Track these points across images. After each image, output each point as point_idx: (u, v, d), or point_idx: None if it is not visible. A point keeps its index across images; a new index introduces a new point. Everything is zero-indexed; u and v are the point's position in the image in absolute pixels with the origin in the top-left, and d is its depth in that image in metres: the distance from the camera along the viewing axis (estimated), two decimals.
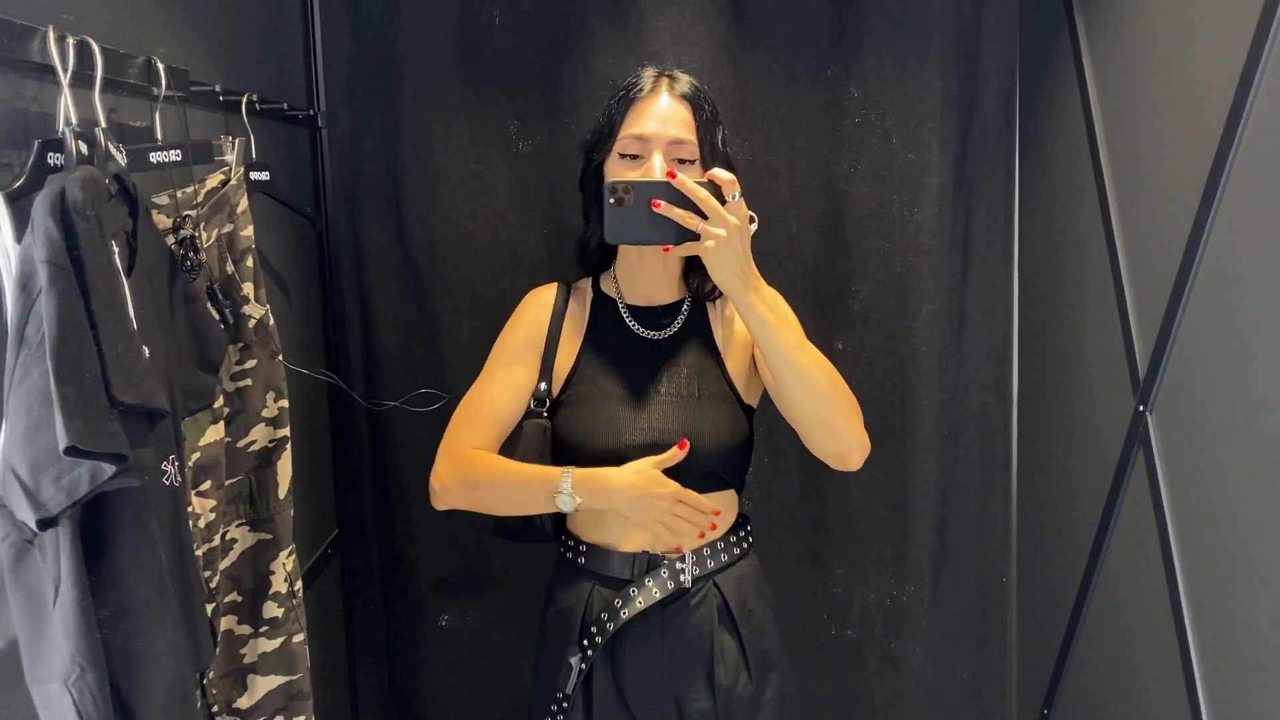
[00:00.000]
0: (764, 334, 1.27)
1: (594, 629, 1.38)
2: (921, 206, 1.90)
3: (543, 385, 1.45)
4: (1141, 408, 1.57)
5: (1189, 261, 1.42)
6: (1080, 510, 1.80)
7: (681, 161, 1.35)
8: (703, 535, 1.38)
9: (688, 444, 1.35)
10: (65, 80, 0.90)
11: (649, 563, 1.39)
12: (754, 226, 1.27)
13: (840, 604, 2.06)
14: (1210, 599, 1.41)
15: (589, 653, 1.38)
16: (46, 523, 0.78)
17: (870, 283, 1.94)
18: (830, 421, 1.32)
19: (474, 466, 1.41)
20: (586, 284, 1.52)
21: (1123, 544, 1.68)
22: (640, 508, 1.33)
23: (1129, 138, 1.63)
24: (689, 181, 1.22)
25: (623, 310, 1.47)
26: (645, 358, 1.44)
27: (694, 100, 1.38)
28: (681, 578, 1.38)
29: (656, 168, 1.33)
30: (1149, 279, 1.56)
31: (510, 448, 1.44)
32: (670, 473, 1.38)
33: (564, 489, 1.34)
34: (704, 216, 1.22)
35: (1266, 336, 1.26)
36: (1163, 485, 1.52)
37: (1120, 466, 1.65)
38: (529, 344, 1.48)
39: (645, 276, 1.47)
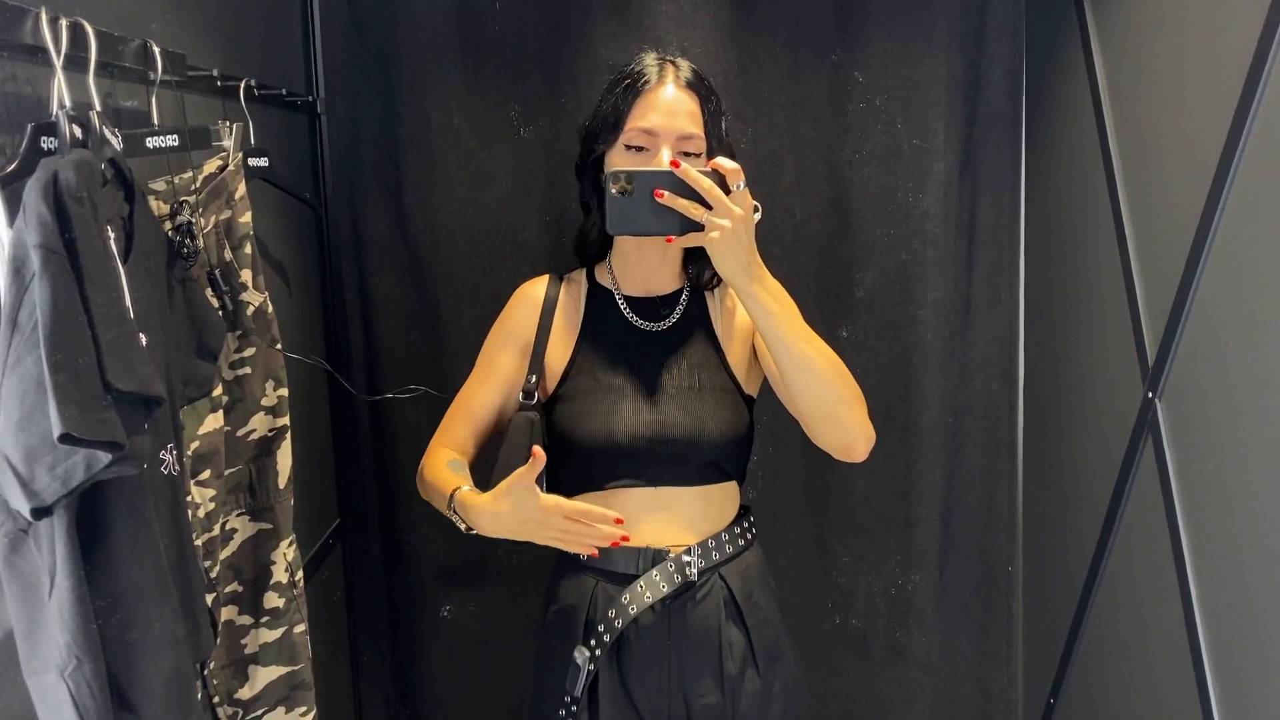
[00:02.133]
0: (769, 325, 1.25)
1: (600, 627, 1.36)
2: (927, 192, 1.89)
3: (532, 378, 1.43)
4: (1151, 395, 1.55)
5: (1199, 246, 1.41)
6: (1087, 498, 1.79)
7: (688, 155, 1.33)
8: (616, 544, 1.26)
9: (541, 453, 1.22)
10: (58, 63, 0.88)
11: (654, 557, 1.37)
12: (758, 216, 1.25)
13: (845, 593, 2.05)
14: (1220, 588, 1.40)
15: (596, 652, 1.36)
16: (41, 512, 0.76)
17: (875, 269, 1.93)
18: (835, 413, 1.30)
19: (428, 464, 1.43)
20: (581, 275, 1.51)
21: (1131, 532, 1.66)
22: (519, 534, 1.26)
23: (1138, 120, 1.61)
24: (693, 171, 1.20)
25: (619, 301, 1.45)
26: (644, 349, 1.42)
27: (699, 90, 1.36)
28: (689, 571, 1.36)
29: (665, 162, 1.30)
30: (1158, 264, 1.54)
31: (499, 442, 1.43)
32: (672, 466, 1.37)
33: (451, 511, 1.32)
34: (708, 206, 1.20)
35: (1278, 323, 1.25)
36: (1172, 473, 1.50)
37: (1129, 454, 1.63)
38: (515, 338, 1.47)
39: (644, 267, 1.45)
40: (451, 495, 1.32)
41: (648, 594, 1.35)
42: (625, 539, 1.26)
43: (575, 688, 1.36)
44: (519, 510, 1.24)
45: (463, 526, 1.32)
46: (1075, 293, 1.84)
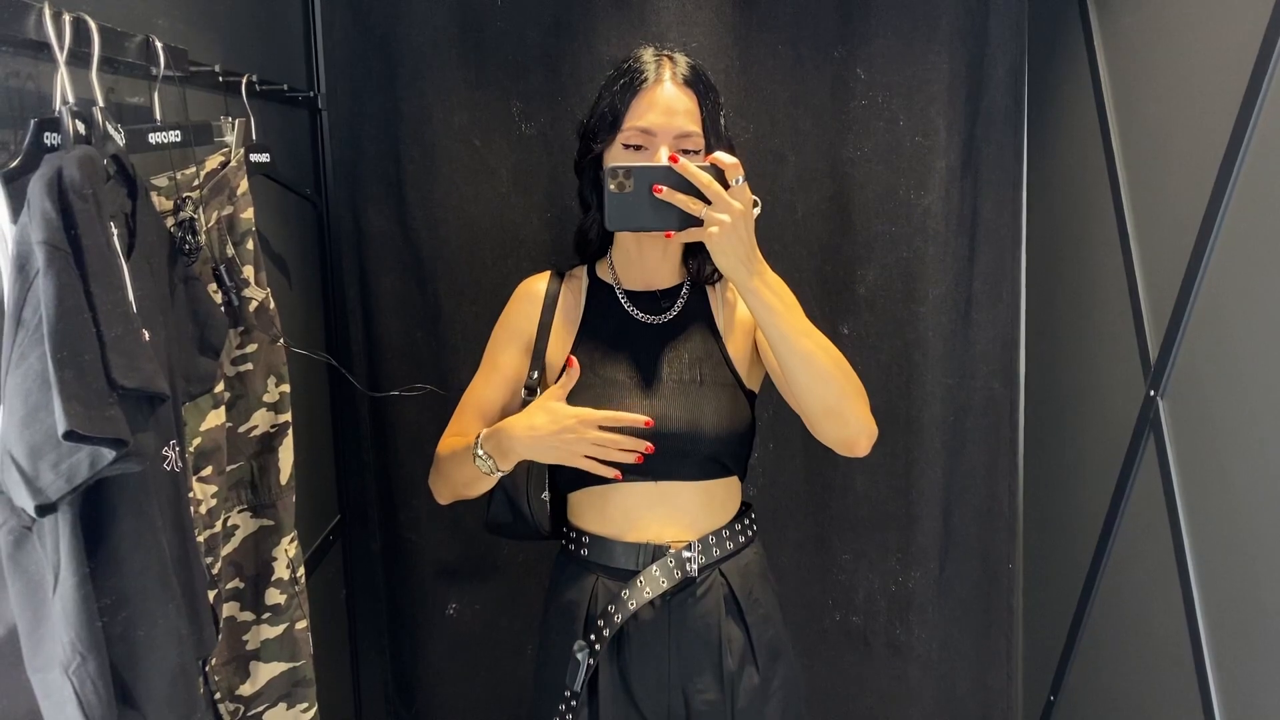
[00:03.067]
0: (769, 320, 1.25)
1: (600, 622, 1.36)
2: (928, 190, 1.88)
3: (534, 374, 1.43)
4: (1153, 393, 1.55)
5: (1202, 244, 1.40)
6: (1088, 496, 1.79)
7: (686, 152, 1.33)
8: (640, 459, 1.30)
9: (576, 362, 1.30)
10: (61, 58, 0.88)
11: (654, 552, 1.37)
12: (758, 211, 1.24)
13: (845, 590, 2.05)
14: (1222, 586, 1.40)
15: (596, 647, 1.36)
16: (45, 509, 0.76)
17: (876, 267, 1.92)
18: (837, 408, 1.30)
19: (441, 448, 1.43)
20: (581, 271, 1.50)
21: (1132, 531, 1.66)
22: (554, 450, 1.28)
23: (1141, 117, 1.61)
24: (691, 166, 1.19)
25: (620, 296, 1.45)
26: (645, 343, 1.42)
27: (697, 86, 1.36)
28: (689, 566, 1.36)
29: (664, 158, 1.30)
30: (1161, 262, 1.54)
31: None
32: (672, 460, 1.36)
33: (478, 452, 1.33)
34: (707, 201, 1.20)
35: None
36: (1174, 471, 1.50)
37: (1131, 452, 1.63)
38: (517, 335, 1.47)
39: (644, 262, 1.45)
40: (476, 439, 1.33)
41: (647, 589, 1.35)
42: (650, 449, 1.30)
43: (575, 683, 1.36)
44: (555, 420, 1.27)
45: (488, 466, 1.32)
46: (1077, 290, 1.84)
